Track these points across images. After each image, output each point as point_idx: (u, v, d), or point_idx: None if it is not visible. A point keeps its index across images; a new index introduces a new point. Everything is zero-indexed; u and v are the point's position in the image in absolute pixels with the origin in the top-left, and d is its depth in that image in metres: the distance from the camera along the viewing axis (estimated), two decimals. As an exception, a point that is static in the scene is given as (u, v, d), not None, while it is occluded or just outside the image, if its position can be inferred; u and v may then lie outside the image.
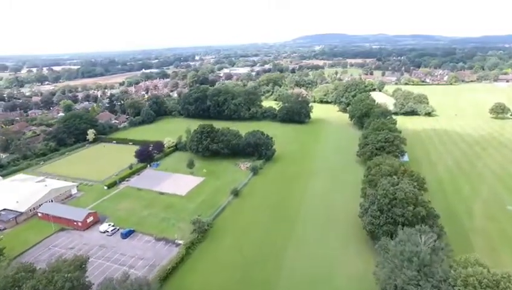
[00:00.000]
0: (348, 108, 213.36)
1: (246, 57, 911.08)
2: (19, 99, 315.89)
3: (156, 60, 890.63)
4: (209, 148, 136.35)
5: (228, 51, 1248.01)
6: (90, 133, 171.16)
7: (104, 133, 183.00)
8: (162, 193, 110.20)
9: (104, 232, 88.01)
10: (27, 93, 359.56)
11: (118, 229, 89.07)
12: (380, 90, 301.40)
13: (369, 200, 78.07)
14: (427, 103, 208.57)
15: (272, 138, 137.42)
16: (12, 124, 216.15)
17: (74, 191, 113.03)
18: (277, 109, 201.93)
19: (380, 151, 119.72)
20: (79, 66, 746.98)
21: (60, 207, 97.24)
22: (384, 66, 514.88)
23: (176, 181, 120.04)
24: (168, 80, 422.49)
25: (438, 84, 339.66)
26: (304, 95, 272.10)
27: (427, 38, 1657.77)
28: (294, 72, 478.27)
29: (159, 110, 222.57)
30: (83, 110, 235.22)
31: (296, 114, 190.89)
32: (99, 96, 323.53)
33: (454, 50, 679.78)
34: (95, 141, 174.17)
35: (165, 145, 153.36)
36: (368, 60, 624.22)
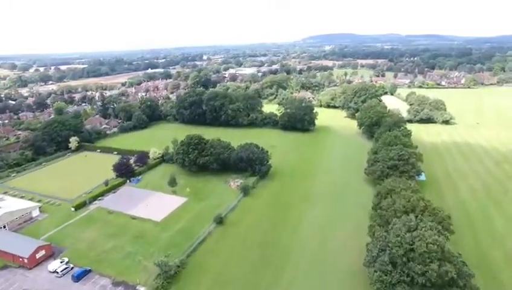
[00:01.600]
0: (356, 114, 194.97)
1: (254, 57, 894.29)
2: (14, 100, 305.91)
3: (163, 60, 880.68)
4: (197, 163, 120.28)
5: (237, 50, 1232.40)
6: (73, 141, 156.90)
7: (90, 141, 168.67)
8: (134, 218, 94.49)
9: (54, 272, 72.57)
10: (25, 94, 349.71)
11: (72, 268, 73.59)
12: (392, 94, 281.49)
13: (379, 246, 60.77)
14: (445, 110, 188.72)
15: (267, 151, 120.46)
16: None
17: (36, 213, 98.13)
18: (278, 115, 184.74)
19: (392, 171, 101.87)
20: (85, 66, 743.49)
21: (7, 237, 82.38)
22: (396, 67, 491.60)
23: (154, 202, 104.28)
24: (170, 80, 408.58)
25: (454, 87, 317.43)
26: (309, 99, 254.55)
27: (441, 39, 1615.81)
28: (302, 73, 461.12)
29: (152, 115, 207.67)
30: (74, 113, 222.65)
31: (299, 121, 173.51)
32: (96, 97, 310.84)
33: (470, 50, 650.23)
34: (79, 149, 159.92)
35: (151, 157, 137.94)
36: (379, 61, 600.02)
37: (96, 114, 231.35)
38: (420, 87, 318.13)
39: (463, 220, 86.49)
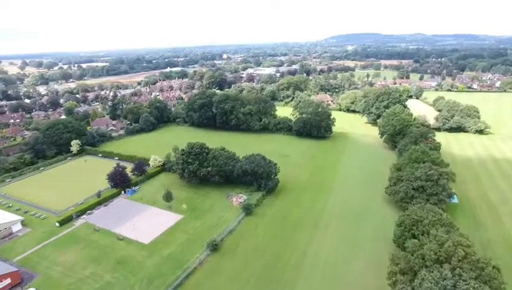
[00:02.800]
0: (378, 121, 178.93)
1: (274, 56, 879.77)
2: (29, 98, 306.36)
3: (183, 59, 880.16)
4: (197, 174, 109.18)
5: (258, 49, 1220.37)
6: (74, 145, 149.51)
7: (93, 144, 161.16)
8: (121, 238, 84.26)
9: (17, 306, 63.15)
10: (43, 92, 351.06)
11: (39, 302, 63.96)
12: (418, 98, 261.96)
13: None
14: (478, 117, 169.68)
15: (276, 164, 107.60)
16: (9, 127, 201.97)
17: (17, 227, 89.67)
18: (293, 120, 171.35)
19: (418, 193, 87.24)
20: (107, 64, 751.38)
21: (-26, 260, 73.76)
22: (422, 68, 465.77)
23: (146, 219, 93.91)
24: (186, 80, 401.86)
25: (488, 90, 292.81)
26: (328, 103, 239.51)
27: (470, 38, 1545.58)
28: (322, 74, 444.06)
29: (161, 117, 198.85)
30: (84, 113, 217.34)
31: (314, 127, 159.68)
32: (110, 96, 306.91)
33: (504, 51, 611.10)
34: (81, 153, 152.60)
35: (151, 165, 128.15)
36: (403, 62, 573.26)
37: (107, 114, 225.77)
38: (449, 90, 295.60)
39: (508, 257, 70.92)
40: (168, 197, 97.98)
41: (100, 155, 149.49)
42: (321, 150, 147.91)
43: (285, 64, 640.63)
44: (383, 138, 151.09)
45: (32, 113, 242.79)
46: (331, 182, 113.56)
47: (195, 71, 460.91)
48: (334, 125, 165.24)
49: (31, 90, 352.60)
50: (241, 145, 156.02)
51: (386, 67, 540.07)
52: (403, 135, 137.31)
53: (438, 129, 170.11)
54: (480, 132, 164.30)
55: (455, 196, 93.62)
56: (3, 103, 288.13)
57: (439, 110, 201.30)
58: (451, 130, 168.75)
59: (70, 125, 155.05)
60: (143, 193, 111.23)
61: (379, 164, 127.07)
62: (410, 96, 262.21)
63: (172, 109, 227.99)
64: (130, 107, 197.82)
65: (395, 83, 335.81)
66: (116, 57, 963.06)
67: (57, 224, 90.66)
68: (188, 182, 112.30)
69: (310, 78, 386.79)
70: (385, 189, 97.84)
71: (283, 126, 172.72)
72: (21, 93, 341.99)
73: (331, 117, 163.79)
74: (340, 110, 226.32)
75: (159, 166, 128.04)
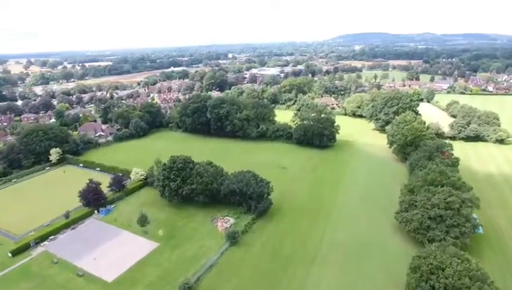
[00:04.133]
0: (386, 128, 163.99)
1: (280, 56, 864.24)
2: (26, 99, 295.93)
3: (187, 58, 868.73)
4: (179, 193, 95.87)
5: (265, 49, 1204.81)
6: (54, 153, 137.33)
7: (76, 152, 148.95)
8: (80, 274, 71.17)
9: None
10: (39, 93, 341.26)
11: None
12: (429, 102, 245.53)
13: None
14: (498, 125, 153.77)
15: (268, 183, 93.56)
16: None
17: (-36, 258, 77.28)
18: (293, 126, 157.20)
19: (435, 223, 72.81)
20: (110, 63, 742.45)
21: None
22: (432, 69, 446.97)
23: (116, 247, 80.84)
24: (187, 80, 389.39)
25: (505, 93, 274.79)
26: (332, 106, 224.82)
27: (481, 38, 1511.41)
28: (328, 75, 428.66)
29: (153, 122, 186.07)
30: (73, 117, 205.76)
31: (316, 136, 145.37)
32: (107, 98, 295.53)
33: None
34: (61, 162, 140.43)
35: (132, 178, 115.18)
36: (412, 62, 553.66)
37: (100, 117, 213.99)
38: (462, 93, 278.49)
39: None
40: (143, 221, 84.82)
41: (81, 165, 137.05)
42: (323, 161, 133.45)
43: (290, 64, 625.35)
44: (392, 148, 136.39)
45: (22, 116, 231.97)
46: (333, 203, 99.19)
47: (196, 71, 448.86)
48: (338, 133, 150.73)
49: (27, 91, 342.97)
50: (235, 155, 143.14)
51: (394, 67, 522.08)
52: (414, 146, 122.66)
53: (453, 138, 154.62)
54: (501, 141, 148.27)
55: (480, 227, 78.92)
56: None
57: (454, 116, 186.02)
58: (467, 139, 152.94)
59: (50, 132, 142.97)
60: (119, 213, 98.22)
61: (388, 180, 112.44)
62: (421, 100, 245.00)
63: (169, 111, 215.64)
64: (120, 111, 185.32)
65: (404, 85, 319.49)
66: (121, 56, 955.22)
67: (10, 254, 77.87)
68: (169, 201, 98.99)
69: (315, 79, 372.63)
70: (395, 214, 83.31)
71: (282, 133, 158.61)
72: (16, 94, 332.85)
73: (335, 124, 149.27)
74: (346, 114, 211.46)
75: (140, 180, 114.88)
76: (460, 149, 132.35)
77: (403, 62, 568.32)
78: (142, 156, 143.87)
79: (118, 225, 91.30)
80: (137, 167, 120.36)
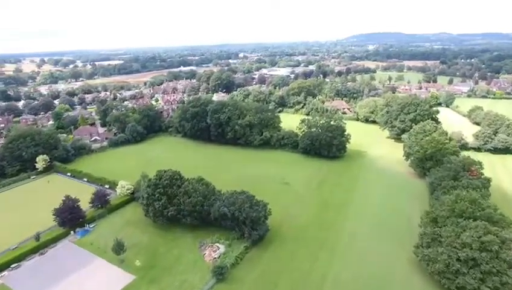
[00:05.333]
0: (403, 136, 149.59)
1: (291, 55, 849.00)
2: (31, 99, 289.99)
3: (198, 57, 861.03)
4: (164, 214, 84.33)
5: (277, 48, 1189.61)
6: (40, 161, 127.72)
7: (66, 159, 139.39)
8: (37, 318, 60.29)
9: None
10: (43, 92, 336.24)
11: None
12: (448, 106, 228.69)
13: None
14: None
15: (266, 205, 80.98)
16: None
17: None
18: (300, 135, 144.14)
19: (466, 267, 59.23)
20: (121, 62, 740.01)
21: None
22: (450, 71, 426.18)
23: (86, 279, 69.67)
24: (194, 81, 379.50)
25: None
26: (343, 110, 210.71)
27: (501, 37, 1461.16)
28: (341, 76, 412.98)
29: (151, 126, 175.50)
30: (70, 119, 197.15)
31: (324, 146, 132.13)
32: (110, 99, 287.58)
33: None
34: (49, 170, 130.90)
35: (118, 193, 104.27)
36: (428, 63, 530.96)
37: (99, 120, 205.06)
38: (484, 97, 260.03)
39: None
40: (118, 249, 73.45)
41: (69, 174, 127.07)
42: (330, 175, 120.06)
43: (301, 65, 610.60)
44: (409, 161, 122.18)
45: (21, 117, 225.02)
46: (340, 230, 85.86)
47: (205, 71, 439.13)
48: (349, 142, 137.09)
49: (32, 90, 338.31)
50: (235, 165, 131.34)
51: (409, 68, 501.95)
52: (435, 160, 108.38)
53: (478, 149, 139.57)
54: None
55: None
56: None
57: (477, 124, 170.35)
58: (495, 151, 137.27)
59: (38, 138, 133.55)
60: (98, 234, 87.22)
61: (404, 201, 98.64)
62: (439, 104, 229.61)
63: (171, 113, 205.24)
64: (117, 114, 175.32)
65: (420, 88, 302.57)
66: (133, 55, 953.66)
67: (-38, 287, 67.70)
68: (153, 221, 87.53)
69: (327, 80, 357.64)
70: (414, 249, 69.84)
71: (288, 142, 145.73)
72: (21, 94, 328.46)
73: (346, 133, 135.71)
74: (358, 120, 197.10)
75: (127, 195, 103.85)
76: (487, 163, 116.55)
77: (419, 63, 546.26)
78: (135, 164, 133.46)
79: (94, 249, 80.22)
80: (127, 177, 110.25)
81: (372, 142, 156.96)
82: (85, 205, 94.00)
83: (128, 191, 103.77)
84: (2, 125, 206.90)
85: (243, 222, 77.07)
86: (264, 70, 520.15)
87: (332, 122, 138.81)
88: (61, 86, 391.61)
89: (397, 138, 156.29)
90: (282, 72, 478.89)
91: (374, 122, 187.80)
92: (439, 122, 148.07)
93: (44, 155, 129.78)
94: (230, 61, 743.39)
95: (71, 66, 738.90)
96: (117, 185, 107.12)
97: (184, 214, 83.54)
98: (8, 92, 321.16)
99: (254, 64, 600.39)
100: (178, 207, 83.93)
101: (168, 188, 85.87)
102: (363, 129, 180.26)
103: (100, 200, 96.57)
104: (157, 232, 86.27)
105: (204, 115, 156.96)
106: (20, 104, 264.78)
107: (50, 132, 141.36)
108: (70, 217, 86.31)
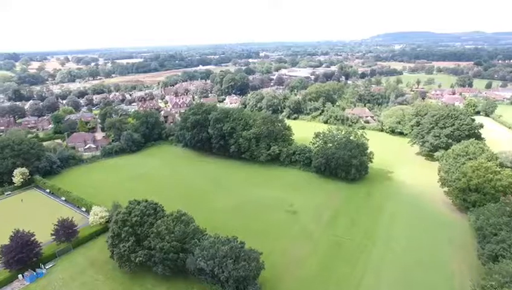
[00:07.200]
0: (436, 154, 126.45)
1: (313, 55, 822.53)
2: (42, 99, 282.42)
3: (218, 56, 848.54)
4: (131, 259, 66.70)
5: (300, 48, 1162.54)
6: (18, 174, 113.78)
7: (50, 172, 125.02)
8: None
9: None
10: (55, 91, 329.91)
11: None
12: (488, 115, 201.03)
13: None
14: None
15: (258, 256, 61.74)
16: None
17: None
18: (313, 150, 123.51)
19: None
20: (141, 60, 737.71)
21: None
22: (487, 73, 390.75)
23: None
24: (208, 81, 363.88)
25: None
26: (366, 119, 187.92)
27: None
28: (364, 78, 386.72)
29: (150, 134, 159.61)
30: (69, 124, 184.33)
31: (342, 167, 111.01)
32: (119, 99, 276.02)
33: None
34: (29, 184, 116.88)
35: (90, 221, 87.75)
36: (461, 64, 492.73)
37: (100, 124, 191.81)
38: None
39: None
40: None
41: (48, 191, 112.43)
42: (347, 205, 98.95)
43: (323, 65, 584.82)
44: (446, 188, 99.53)
45: (23, 119, 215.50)
46: (354, 287, 65.48)
47: (221, 71, 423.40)
48: (371, 162, 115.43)
49: (44, 90, 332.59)
50: (235, 185, 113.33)
51: (439, 70, 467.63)
52: (482, 193, 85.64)
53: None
54: None
55: None
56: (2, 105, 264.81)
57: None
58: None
59: (18, 148, 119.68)
60: (52, 279, 70.59)
61: (442, 247, 76.68)
62: (477, 113, 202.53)
63: (178, 118, 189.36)
64: (113, 120, 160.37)
65: (453, 93, 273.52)
66: (155, 53, 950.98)
67: None
68: (120, 267, 70.08)
69: (349, 82, 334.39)
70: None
71: (299, 158, 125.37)
72: (33, 93, 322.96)
73: (368, 151, 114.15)
74: (382, 130, 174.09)
75: (101, 223, 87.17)
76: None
77: (450, 64, 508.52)
78: (121, 180, 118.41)
79: (42, 302, 63.73)
80: (108, 197, 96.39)
81: (399, 160, 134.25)
82: (48, 234, 78.32)
83: (102, 219, 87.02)
84: (2, 128, 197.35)
85: (226, 280, 58.13)
86: (283, 71, 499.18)
87: (352, 137, 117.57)
88: (74, 85, 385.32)
89: (429, 155, 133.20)
90: (302, 72, 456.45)
91: (401, 133, 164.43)
92: (483, 138, 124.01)
93: (23, 168, 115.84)
94: (249, 60, 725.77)
95: (92, 64, 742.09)
96: (97, 205, 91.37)
97: (155, 261, 65.60)
98: (22, 92, 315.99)
99: (274, 64, 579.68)
100: (149, 251, 66.18)
101: (138, 227, 68.24)
102: (389, 142, 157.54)
103: (65, 232, 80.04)
104: (124, 281, 68.81)
105: (207, 124, 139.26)
106: (27, 104, 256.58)
107: (33, 142, 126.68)
108: (17, 259, 69.87)
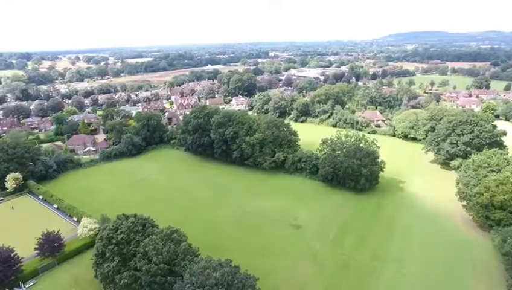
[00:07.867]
0: (453, 163, 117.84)
1: (323, 55, 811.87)
2: (48, 99, 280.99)
3: (227, 56, 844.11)
4: (115, 281, 60.69)
5: (310, 47, 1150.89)
6: (10, 180, 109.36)
7: (45, 176, 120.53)
8: None
9: None
10: (62, 91, 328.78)
11: None
12: (508, 120, 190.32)
13: None
14: None
15: (254, 283, 55.00)
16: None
17: None
18: (320, 157, 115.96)
19: None
20: (150, 59, 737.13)
21: None
22: (504, 74, 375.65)
23: None
24: (215, 82, 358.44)
25: None
26: (377, 122, 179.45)
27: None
28: (375, 79, 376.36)
29: (151, 137, 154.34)
30: (71, 125, 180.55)
31: (350, 176, 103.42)
32: (125, 99, 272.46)
33: None
34: (22, 190, 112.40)
35: (79, 234, 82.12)
36: (477, 65, 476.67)
37: (102, 126, 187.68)
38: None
39: None
40: None
41: (41, 197, 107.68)
42: (356, 219, 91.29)
43: (333, 65, 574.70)
44: (465, 203, 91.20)
45: (26, 120, 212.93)
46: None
47: (229, 71, 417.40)
48: (382, 171, 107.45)
49: (51, 90, 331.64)
50: (236, 194, 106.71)
51: (454, 71, 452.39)
52: (509, 211, 77.23)
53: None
54: None
55: None
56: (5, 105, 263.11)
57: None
58: None
59: (12, 151, 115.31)
60: (36, 297, 65.33)
61: (462, 273, 68.56)
62: (497, 117, 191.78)
63: (181, 119, 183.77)
64: (113, 122, 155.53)
65: (470, 95, 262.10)
66: (164, 52, 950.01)
67: None
68: (104, 289, 64.15)
69: (360, 83, 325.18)
70: None
71: (305, 166, 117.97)
72: (40, 92, 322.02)
73: (379, 160, 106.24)
74: (394, 135, 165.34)
75: (90, 236, 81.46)
76: None
77: (465, 65, 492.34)
78: (118, 186, 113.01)
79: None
80: (100, 207, 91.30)
81: (413, 168, 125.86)
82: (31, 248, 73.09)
83: (92, 232, 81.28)
84: (5, 128, 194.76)
85: (218, 314, 51.46)
86: (292, 71, 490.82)
87: (362, 144, 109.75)
88: (82, 85, 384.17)
89: (445, 163, 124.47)
90: (312, 73, 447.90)
91: (414, 139, 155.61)
92: (505, 146, 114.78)
93: (17, 173, 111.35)
94: (259, 60, 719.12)
95: (102, 63, 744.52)
96: (89, 216, 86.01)
97: (141, 283, 59.41)
98: (29, 91, 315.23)
99: (283, 64, 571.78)
100: (134, 273, 60.04)
101: (124, 245, 62.14)
102: (401, 149, 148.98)
103: (49, 247, 74.57)
104: (108, 304, 62.82)
105: (209, 128, 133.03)
106: (33, 104, 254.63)
107: (28, 145, 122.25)
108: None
